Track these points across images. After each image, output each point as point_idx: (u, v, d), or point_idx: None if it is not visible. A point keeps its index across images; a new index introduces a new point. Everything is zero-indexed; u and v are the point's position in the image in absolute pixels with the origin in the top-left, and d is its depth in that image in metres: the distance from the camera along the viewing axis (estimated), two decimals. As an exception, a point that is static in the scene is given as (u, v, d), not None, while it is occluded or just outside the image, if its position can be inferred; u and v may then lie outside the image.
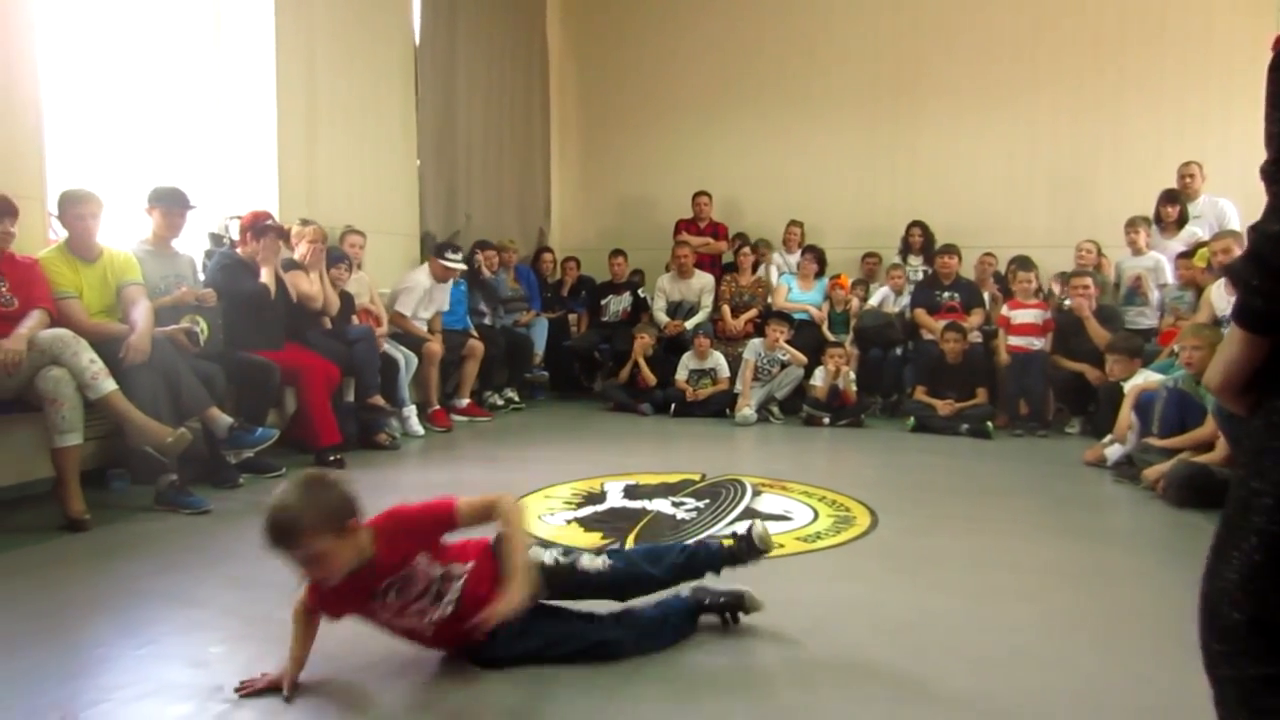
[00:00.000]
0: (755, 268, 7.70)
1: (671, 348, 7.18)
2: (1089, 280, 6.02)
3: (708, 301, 7.48)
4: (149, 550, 3.22)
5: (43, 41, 4.11)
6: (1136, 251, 6.48)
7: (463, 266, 6.31)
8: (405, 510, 2.11)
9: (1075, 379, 5.92)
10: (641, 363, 6.91)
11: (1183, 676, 2.24)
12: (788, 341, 6.67)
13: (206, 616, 2.58)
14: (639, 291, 7.81)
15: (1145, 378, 4.95)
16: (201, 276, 4.73)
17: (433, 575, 2.11)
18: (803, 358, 6.59)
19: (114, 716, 1.96)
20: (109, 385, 3.52)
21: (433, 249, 6.34)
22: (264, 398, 4.62)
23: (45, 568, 3.01)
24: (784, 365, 6.64)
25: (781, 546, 3.37)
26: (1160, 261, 6.39)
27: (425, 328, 6.20)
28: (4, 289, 3.55)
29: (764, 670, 2.27)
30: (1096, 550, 3.43)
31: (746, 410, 6.41)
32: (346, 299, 5.60)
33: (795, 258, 7.76)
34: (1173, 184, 6.66)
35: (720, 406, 6.59)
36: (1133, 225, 6.48)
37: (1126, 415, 4.74)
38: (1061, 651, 2.41)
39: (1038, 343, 6.19)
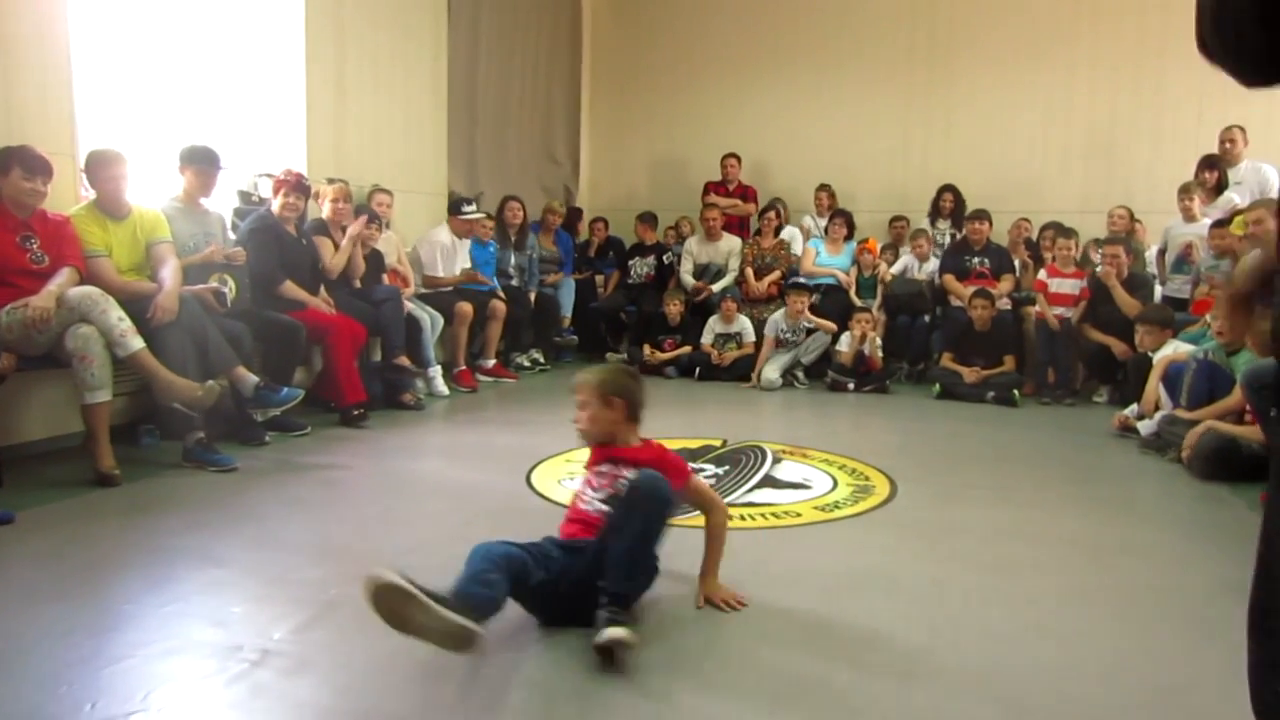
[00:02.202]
0: (778, 231, 7.62)
1: (697, 310, 7.15)
2: (1119, 249, 5.90)
3: (735, 265, 7.42)
4: (176, 507, 3.29)
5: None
6: (1189, 218, 6.26)
7: (479, 215, 6.32)
8: (667, 454, 2.56)
9: (1103, 349, 5.84)
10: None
11: (1199, 652, 2.24)
12: (812, 307, 6.63)
13: (229, 576, 2.64)
14: (664, 256, 7.77)
15: (1175, 348, 4.87)
16: (231, 235, 4.77)
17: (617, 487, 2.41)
18: (831, 325, 6.55)
19: (138, 673, 2.02)
20: (137, 343, 3.57)
21: (449, 207, 6.34)
22: (290, 357, 4.66)
23: (76, 522, 3.08)
24: (810, 331, 6.60)
25: (799, 515, 3.38)
26: None
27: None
28: (35, 246, 3.60)
29: (775, 640, 2.28)
30: (1119, 522, 3.41)
31: (771, 375, 6.38)
32: (376, 258, 5.62)
33: (824, 221, 7.66)
34: (1213, 149, 6.47)
35: (745, 371, 6.57)
36: (1186, 190, 6.26)
37: (1154, 388, 4.67)
38: (1077, 626, 2.41)
39: (1069, 312, 6.09)
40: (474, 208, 6.28)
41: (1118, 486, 4.05)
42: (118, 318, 3.54)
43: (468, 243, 6.36)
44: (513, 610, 2.22)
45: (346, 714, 1.88)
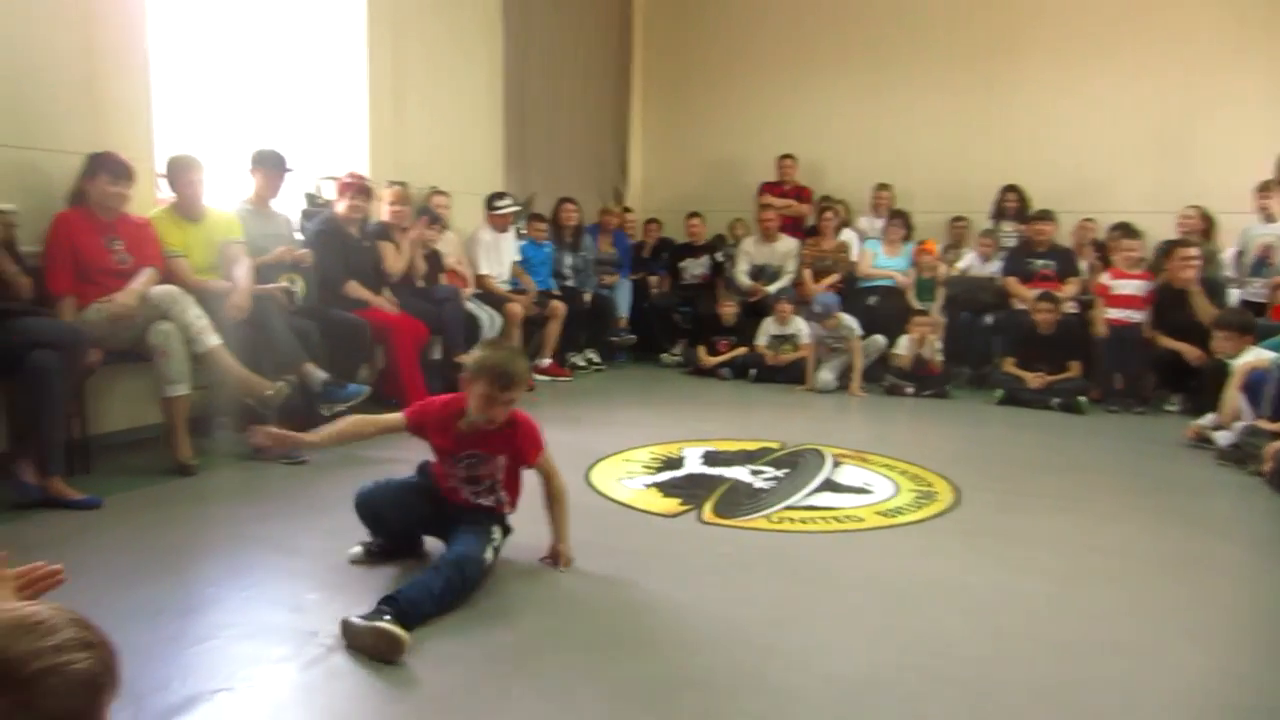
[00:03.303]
0: (839, 231, 7.55)
1: (752, 312, 7.14)
2: (1194, 250, 5.72)
3: (791, 266, 7.39)
4: (251, 497, 3.40)
5: (149, 9, 4.27)
6: (1268, 218, 6.00)
7: (516, 208, 6.40)
8: (530, 421, 2.74)
9: (1174, 355, 5.66)
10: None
11: (1277, 672, 2.18)
12: (869, 310, 6.57)
13: (303, 564, 2.72)
14: (717, 255, 7.76)
15: (1256, 355, 4.69)
16: (298, 236, 4.90)
17: (496, 476, 2.68)
18: (858, 337, 6.45)
19: (222, 654, 2.10)
20: (213, 340, 3.70)
21: (486, 204, 6.43)
22: (355, 354, 4.78)
23: (158, 509, 3.20)
24: (863, 336, 6.52)
25: (861, 520, 3.37)
26: None
27: (508, 288, 6.31)
28: (120, 248, 3.75)
29: (837, 647, 2.28)
30: (1193, 536, 3.30)
31: (825, 375, 6.33)
32: (435, 258, 5.73)
33: (881, 222, 7.59)
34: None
35: (800, 373, 6.53)
36: (1265, 189, 5.98)
37: (1234, 397, 4.51)
38: (1150, 641, 2.35)
39: (1137, 315, 5.91)
40: (507, 201, 6.35)
41: (1193, 499, 3.88)
42: (196, 315, 3.68)
43: (510, 237, 6.44)
44: (569, 606, 2.25)
45: (419, 700, 1.94)
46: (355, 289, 4.96)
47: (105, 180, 3.65)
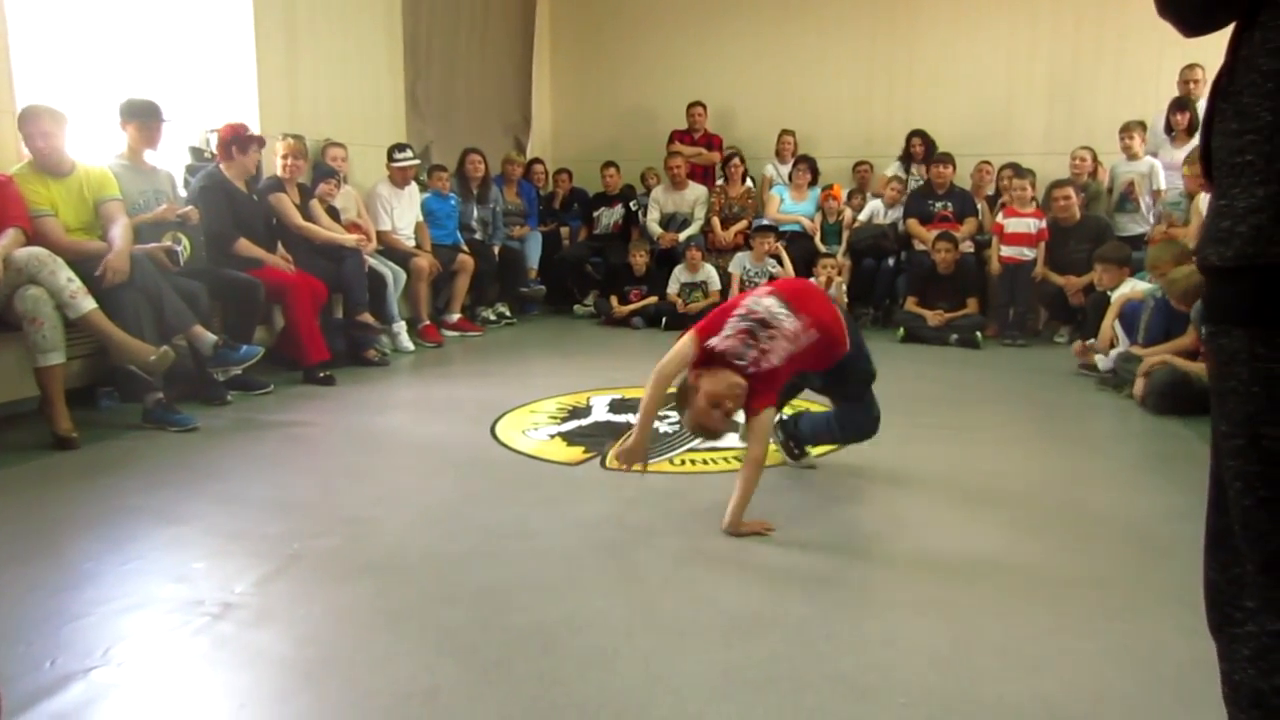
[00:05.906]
0: (744, 178, 7.57)
1: (663, 260, 7.13)
2: (1068, 190, 5.97)
3: (700, 214, 7.39)
4: (137, 468, 3.26)
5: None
6: (1131, 156, 6.36)
7: (415, 162, 6.22)
8: None
9: (1061, 290, 5.92)
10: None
11: (1143, 574, 2.33)
12: (775, 255, 6.64)
13: (190, 533, 2.63)
14: (631, 204, 7.71)
15: (1132, 287, 4.93)
16: (182, 192, 4.67)
17: None
18: (791, 272, 6.56)
19: (98, 629, 2.02)
20: (88, 304, 3.50)
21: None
22: (249, 315, 4.62)
23: (35, 486, 3.05)
24: (772, 278, 6.61)
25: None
26: (1155, 166, 6.29)
27: (412, 243, 6.15)
28: (-25, 208, 3.51)
29: (734, 581, 2.33)
30: (1074, 455, 3.52)
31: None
32: (333, 214, 5.55)
33: (788, 168, 7.62)
34: (1174, 88, 6.50)
35: (711, 320, 6.57)
36: (1127, 130, 6.35)
37: (1109, 326, 4.76)
38: (1026, 556, 2.49)
39: (1029, 252, 6.14)
40: (408, 154, 6.16)
41: (1074, 422, 4.15)
42: (67, 279, 3.48)
43: (411, 190, 6.24)
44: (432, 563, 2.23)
45: (306, 662, 1.90)
46: (246, 247, 4.77)
47: (-49, 136, 3.40)
